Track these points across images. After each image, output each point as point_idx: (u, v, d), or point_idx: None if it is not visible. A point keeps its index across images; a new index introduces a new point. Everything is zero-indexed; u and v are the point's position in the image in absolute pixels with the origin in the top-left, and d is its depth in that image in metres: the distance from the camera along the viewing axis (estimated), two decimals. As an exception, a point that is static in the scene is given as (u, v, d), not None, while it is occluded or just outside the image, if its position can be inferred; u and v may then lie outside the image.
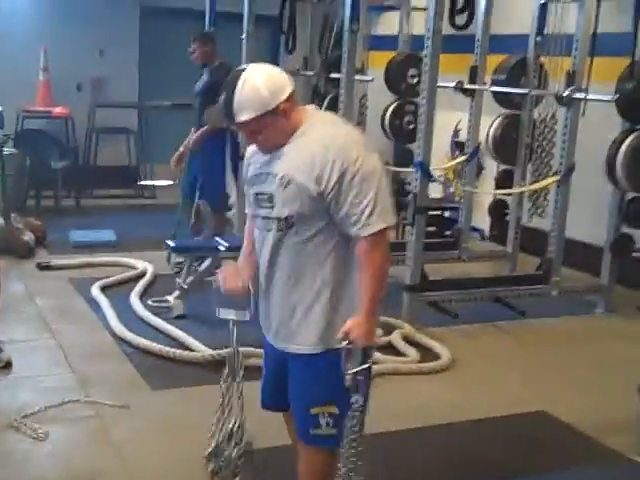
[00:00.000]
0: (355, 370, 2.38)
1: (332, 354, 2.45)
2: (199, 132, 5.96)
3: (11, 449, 3.37)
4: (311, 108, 2.58)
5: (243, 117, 2.41)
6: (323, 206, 2.41)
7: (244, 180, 2.67)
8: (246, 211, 2.71)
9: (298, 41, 8.64)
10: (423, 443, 3.69)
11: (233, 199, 6.29)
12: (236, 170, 6.19)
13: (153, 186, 9.07)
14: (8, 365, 4.20)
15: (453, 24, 6.30)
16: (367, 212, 2.38)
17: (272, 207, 2.48)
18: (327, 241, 2.47)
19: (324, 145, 2.40)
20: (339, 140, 2.42)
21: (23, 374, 4.15)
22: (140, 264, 6.06)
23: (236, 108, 2.41)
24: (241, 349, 2.79)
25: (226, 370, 2.77)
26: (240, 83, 2.40)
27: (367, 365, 2.40)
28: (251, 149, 2.64)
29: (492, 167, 6.94)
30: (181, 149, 6.23)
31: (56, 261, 6.11)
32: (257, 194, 2.54)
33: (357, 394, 2.40)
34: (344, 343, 2.38)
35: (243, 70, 2.44)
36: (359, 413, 2.42)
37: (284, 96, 2.42)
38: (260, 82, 2.40)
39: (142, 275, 5.86)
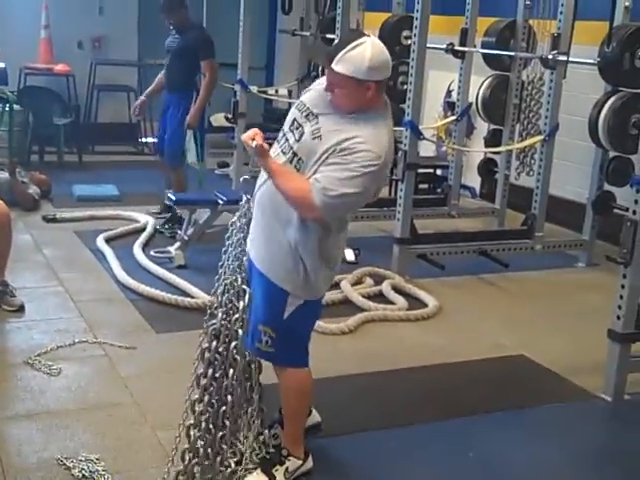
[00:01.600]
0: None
1: (276, 289, 2.83)
2: (205, 88, 6.11)
3: (28, 383, 3.64)
4: (387, 102, 2.84)
5: (337, 67, 2.70)
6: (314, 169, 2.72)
7: (297, 101, 2.94)
8: None
9: (294, 2, 8.79)
10: (406, 382, 3.97)
11: (192, 159, 6.44)
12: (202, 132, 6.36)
13: (153, 143, 9.26)
14: (21, 309, 4.45)
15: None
16: (330, 181, 2.65)
17: (298, 140, 2.77)
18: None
19: (352, 137, 2.66)
20: (365, 142, 2.67)
21: (35, 318, 4.40)
22: (142, 217, 6.30)
23: (339, 57, 2.69)
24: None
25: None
26: (357, 43, 2.68)
27: None
28: (309, 93, 2.91)
29: (484, 127, 7.15)
30: (142, 98, 6.50)
31: (61, 214, 6.35)
32: (294, 121, 2.83)
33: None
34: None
35: (367, 36, 2.73)
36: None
37: (377, 78, 2.71)
38: (369, 54, 2.68)
39: (144, 228, 6.10)
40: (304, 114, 2.82)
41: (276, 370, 3.03)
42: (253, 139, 2.73)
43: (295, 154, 2.78)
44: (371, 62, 2.67)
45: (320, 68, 8.16)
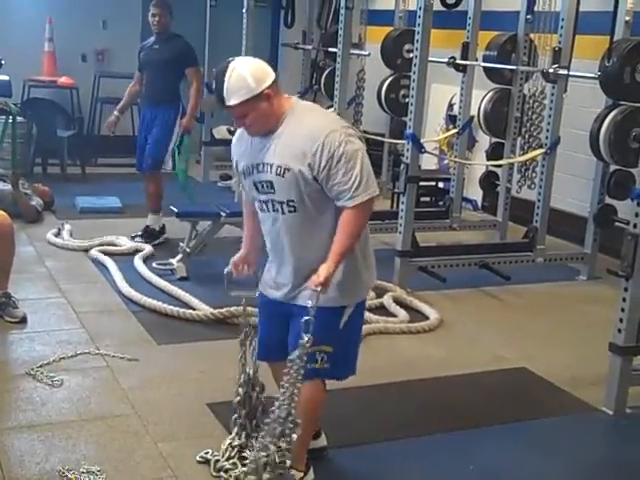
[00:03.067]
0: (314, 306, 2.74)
1: (330, 310, 2.85)
2: (194, 97, 6.11)
3: (30, 394, 3.65)
4: (294, 98, 2.94)
5: (232, 102, 2.76)
6: (318, 186, 2.77)
7: (237, 174, 3.01)
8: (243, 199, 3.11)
9: (297, 15, 8.84)
10: (407, 395, 3.97)
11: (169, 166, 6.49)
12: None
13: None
14: (23, 320, 4.46)
15: (443, 3, 6.53)
16: (354, 186, 2.75)
17: (274, 192, 2.83)
18: (329, 211, 2.83)
19: (311, 135, 2.76)
20: (323, 128, 2.77)
21: (37, 329, 4.41)
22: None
23: (226, 94, 2.76)
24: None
25: (243, 330, 3.12)
26: (229, 72, 2.75)
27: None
28: (235, 149, 2.98)
29: (485, 140, 7.18)
30: (116, 114, 6.46)
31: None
32: (255, 182, 2.88)
33: (308, 334, 2.73)
34: (316, 288, 2.73)
35: (230, 62, 2.78)
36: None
37: (267, 83, 2.77)
38: (246, 71, 2.75)
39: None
40: (256, 173, 2.85)
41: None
42: (321, 285, 2.72)
43: (287, 202, 2.81)
44: (253, 76, 2.76)
45: (322, 82, 8.23)
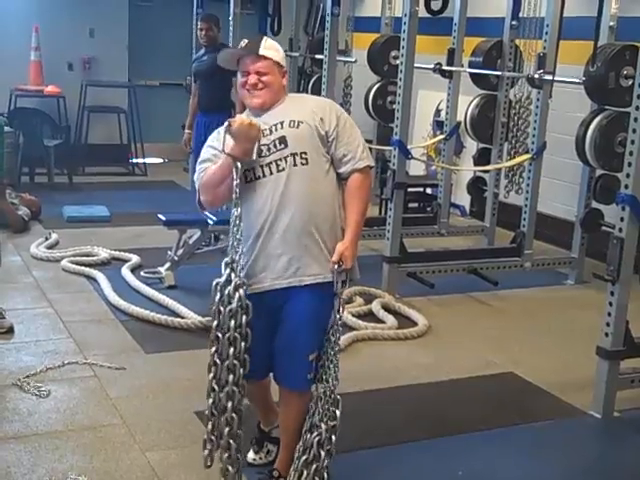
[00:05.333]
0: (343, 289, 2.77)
1: (329, 286, 2.81)
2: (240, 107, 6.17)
3: (16, 405, 3.63)
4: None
5: (268, 53, 2.87)
6: (326, 147, 2.85)
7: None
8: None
9: (284, 22, 8.84)
10: (395, 401, 3.97)
11: None
12: None
13: (144, 164, 9.29)
14: (10, 331, 4.44)
15: (429, 10, 6.55)
16: (360, 149, 2.89)
17: (286, 146, 2.83)
18: (333, 178, 2.88)
19: (317, 103, 2.96)
20: (322, 101, 3.05)
21: (24, 339, 4.39)
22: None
23: (265, 45, 2.87)
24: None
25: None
26: (266, 38, 2.92)
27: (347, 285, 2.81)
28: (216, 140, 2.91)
29: (473, 146, 7.20)
30: (187, 131, 6.61)
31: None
32: (261, 146, 2.81)
33: (340, 313, 2.77)
34: (336, 267, 2.73)
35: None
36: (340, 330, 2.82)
37: (286, 68, 3.00)
38: (279, 46, 2.94)
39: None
40: (264, 136, 2.82)
41: (287, 397, 2.94)
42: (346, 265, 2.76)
43: (301, 154, 2.82)
44: (283, 52, 2.96)
45: (309, 89, 8.23)
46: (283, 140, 2.82)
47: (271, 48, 2.88)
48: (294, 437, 2.91)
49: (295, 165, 2.81)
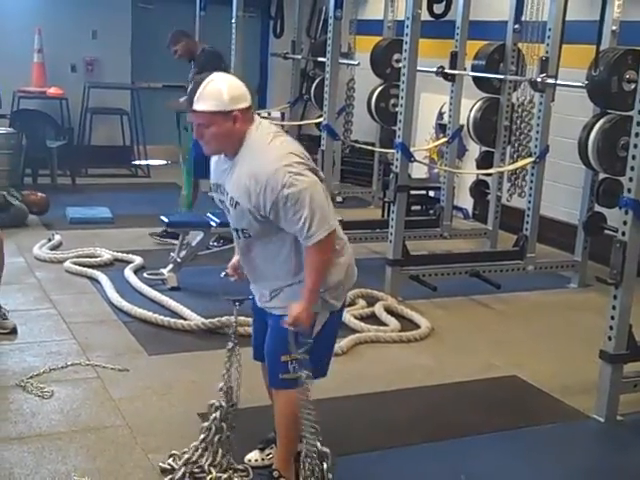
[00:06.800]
0: (299, 352, 2.79)
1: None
2: None
3: (19, 406, 3.64)
4: (258, 122, 2.86)
5: (199, 107, 2.76)
6: (269, 220, 2.76)
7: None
8: None
9: (286, 25, 8.87)
10: (398, 403, 3.97)
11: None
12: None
13: (147, 165, 9.30)
14: (13, 331, 4.45)
15: (431, 13, 6.56)
16: (306, 227, 2.72)
17: (231, 217, 2.88)
18: (285, 239, 2.83)
19: (255, 176, 2.70)
20: (267, 167, 2.70)
21: (27, 340, 4.40)
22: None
23: (197, 98, 2.75)
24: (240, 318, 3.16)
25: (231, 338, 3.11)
26: (207, 80, 2.76)
27: (308, 345, 2.80)
28: (213, 160, 2.98)
29: (475, 149, 7.20)
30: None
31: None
32: (219, 200, 2.94)
33: (302, 371, 2.80)
34: (291, 328, 2.77)
35: (214, 74, 2.81)
36: (307, 384, 2.82)
37: (240, 106, 2.76)
38: (224, 86, 2.75)
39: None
40: (219, 192, 2.90)
41: (274, 394, 3.04)
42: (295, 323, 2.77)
43: (242, 230, 2.86)
44: (229, 92, 2.74)
45: (312, 92, 8.24)
46: (228, 211, 2.89)
47: (206, 98, 2.72)
48: (283, 436, 3.02)
49: (239, 238, 2.91)
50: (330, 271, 2.86)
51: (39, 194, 7.04)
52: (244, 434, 3.18)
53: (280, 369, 2.90)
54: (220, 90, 2.73)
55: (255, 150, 2.77)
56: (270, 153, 2.76)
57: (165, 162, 9.67)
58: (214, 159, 2.97)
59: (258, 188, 2.70)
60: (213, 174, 2.97)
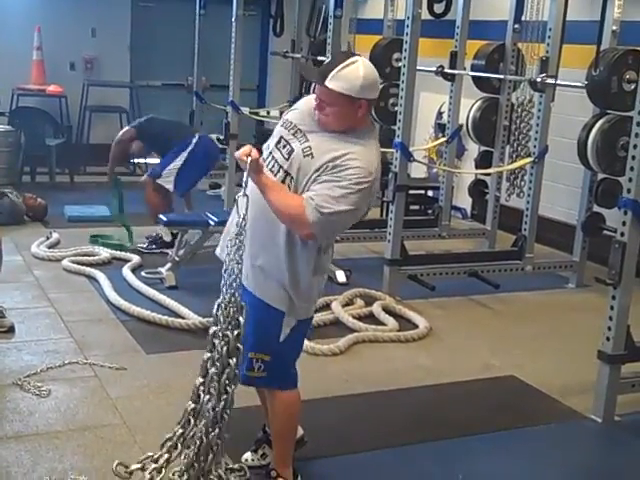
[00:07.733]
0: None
1: (270, 312, 2.81)
2: None
3: (17, 404, 3.63)
4: (372, 121, 2.88)
5: (331, 84, 2.69)
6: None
7: (282, 119, 2.91)
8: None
9: (286, 24, 8.86)
10: (396, 403, 3.97)
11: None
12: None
13: (145, 164, 9.27)
14: (11, 330, 4.44)
15: (431, 12, 6.55)
16: (319, 200, 2.65)
17: (287, 159, 2.76)
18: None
19: (342, 157, 2.67)
20: (357, 162, 2.67)
21: (25, 338, 4.39)
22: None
23: (333, 74, 2.69)
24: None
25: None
26: (349, 61, 2.70)
27: None
28: (293, 114, 2.88)
29: (474, 149, 7.19)
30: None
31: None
32: (281, 138, 2.81)
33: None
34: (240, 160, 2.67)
35: (357, 55, 2.75)
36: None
37: (369, 97, 2.73)
38: (362, 72, 2.69)
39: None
40: (292, 132, 2.81)
41: (265, 393, 3.05)
42: (248, 155, 2.65)
43: (286, 172, 2.76)
44: (364, 80, 2.69)
45: (311, 89, 8.23)
46: (290, 153, 2.77)
47: (342, 78, 2.66)
48: (278, 436, 3.03)
49: (282, 182, 2.76)
50: (310, 283, 2.82)
51: (39, 200, 6.99)
52: (238, 434, 3.16)
53: (246, 364, 2.85)
54: (357, 75, 2.68)
55: (361, 141, 2.73)
56: (370, 156, 2.74)
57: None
58: (304, 108, 2.87)
59: (337, 162, 2.66)
60: (298, 116, 2.85)
